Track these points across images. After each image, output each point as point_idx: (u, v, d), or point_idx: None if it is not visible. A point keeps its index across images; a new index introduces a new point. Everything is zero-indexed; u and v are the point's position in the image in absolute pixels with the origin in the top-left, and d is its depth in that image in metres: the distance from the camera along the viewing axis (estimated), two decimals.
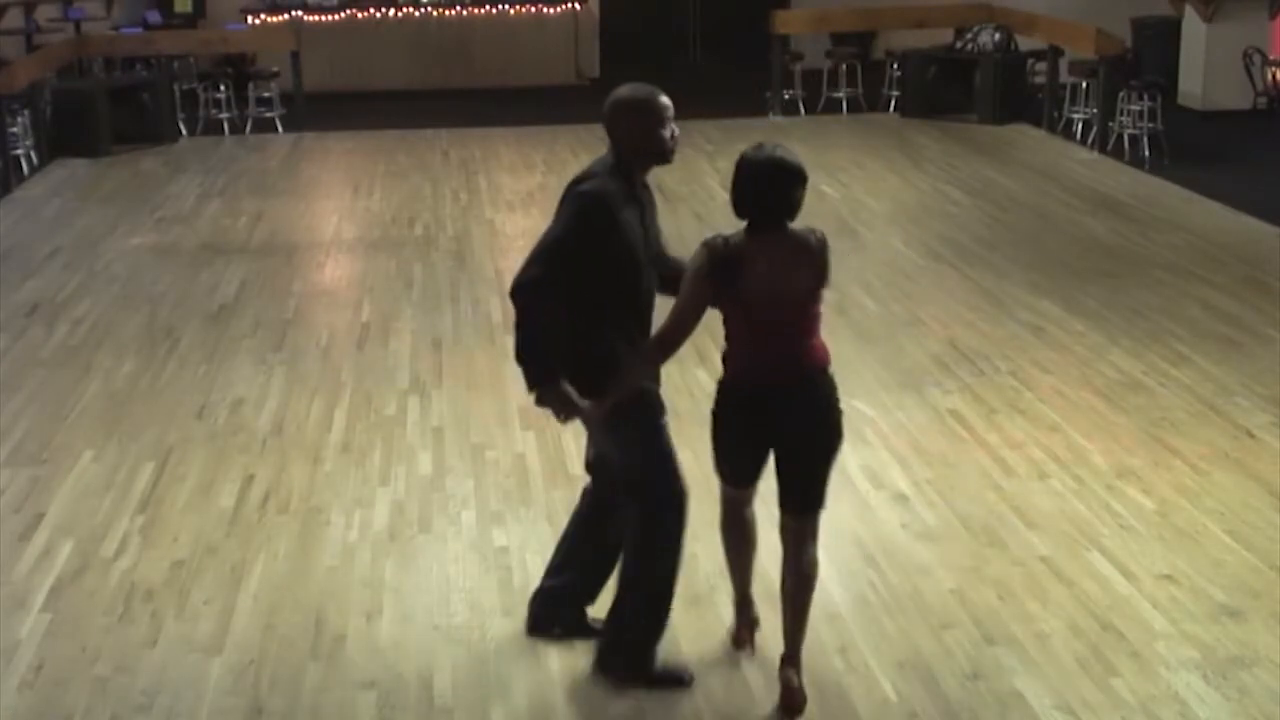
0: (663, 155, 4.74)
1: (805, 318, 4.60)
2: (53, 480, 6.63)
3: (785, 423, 4.58)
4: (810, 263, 4.57)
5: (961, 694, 4.78)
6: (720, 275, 4.50)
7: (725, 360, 4.68)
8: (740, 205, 4.60)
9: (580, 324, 4.60)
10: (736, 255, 4.50)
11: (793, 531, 4.70)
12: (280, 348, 8.47)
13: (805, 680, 4.71)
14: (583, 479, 5.11)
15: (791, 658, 4.69)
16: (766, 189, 4.54)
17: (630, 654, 4.82)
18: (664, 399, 4.78)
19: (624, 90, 4.81)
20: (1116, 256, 10.13)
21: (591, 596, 5.07)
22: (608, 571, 4.96)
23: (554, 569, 5.15)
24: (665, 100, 4.76)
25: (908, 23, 16.61)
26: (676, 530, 4.69)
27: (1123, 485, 6.36)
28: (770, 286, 4.51)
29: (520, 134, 15.23)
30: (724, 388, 4.69)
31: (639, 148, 4.71)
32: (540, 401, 4.60)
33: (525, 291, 4.55)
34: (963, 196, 12.03)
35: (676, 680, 4.82)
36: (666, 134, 4.70)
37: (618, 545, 4.84)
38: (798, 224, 4.62)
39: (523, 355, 4.57)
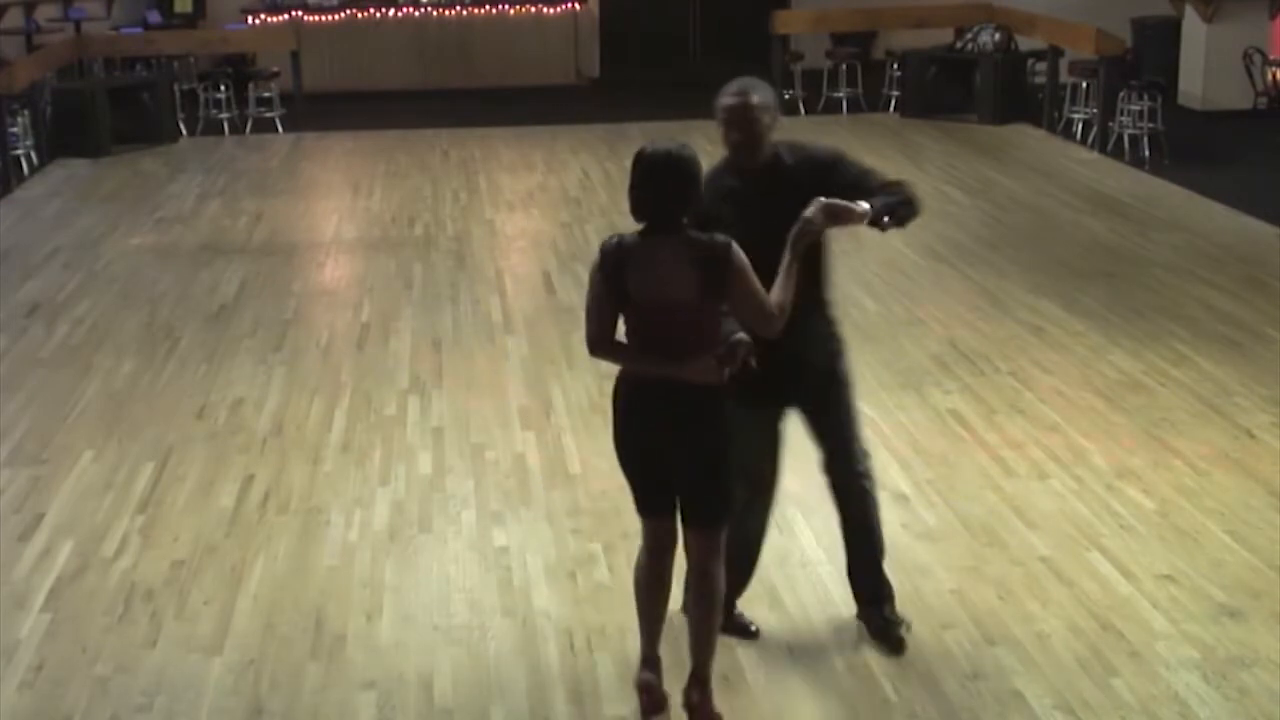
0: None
1: (689, 328, 4.31)
2: (53, 480, 6.63)
3: (670, 434, 4.38)
4: (700, 269, 4.25)
5: (961, 694, 4.78)
6: (611, 274, 4.32)
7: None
8: (632, 206, 4.38)
9: None
10: (625, 256, 4.31)
11: (693, 548, 4.48)
12: (280, 348, 8.47)
13: (803, 679, 4.71)
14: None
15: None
16: (653, 187, 4.31)
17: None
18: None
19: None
20: (1116, 256, 10.13)
21: (738, 593, 5.12)
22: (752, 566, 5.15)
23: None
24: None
25: (908, 23, 16.61)
26: None
27: (1123, 485, 6.36)
28: (654, 291, 4.28)
29: (520, 134, 15.23)
30: (616, 389, 4.49)
31: None
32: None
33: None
34: (963, 196, 12.04)
35: None
36: None
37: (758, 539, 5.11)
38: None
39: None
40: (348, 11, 17.91)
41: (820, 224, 4.57)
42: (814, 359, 4.90)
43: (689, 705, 4.54)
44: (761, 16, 16.54)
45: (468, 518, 6.16)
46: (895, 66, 16.08)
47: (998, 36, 15.51)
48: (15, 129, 13.37)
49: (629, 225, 4.43)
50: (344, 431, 7.14)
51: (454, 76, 17.97)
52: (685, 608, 4.65)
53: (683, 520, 4.49)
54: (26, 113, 13.68)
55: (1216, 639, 5.09)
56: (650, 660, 4.66)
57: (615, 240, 4.38)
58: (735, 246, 4.29)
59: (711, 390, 4.36)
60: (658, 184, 4.31)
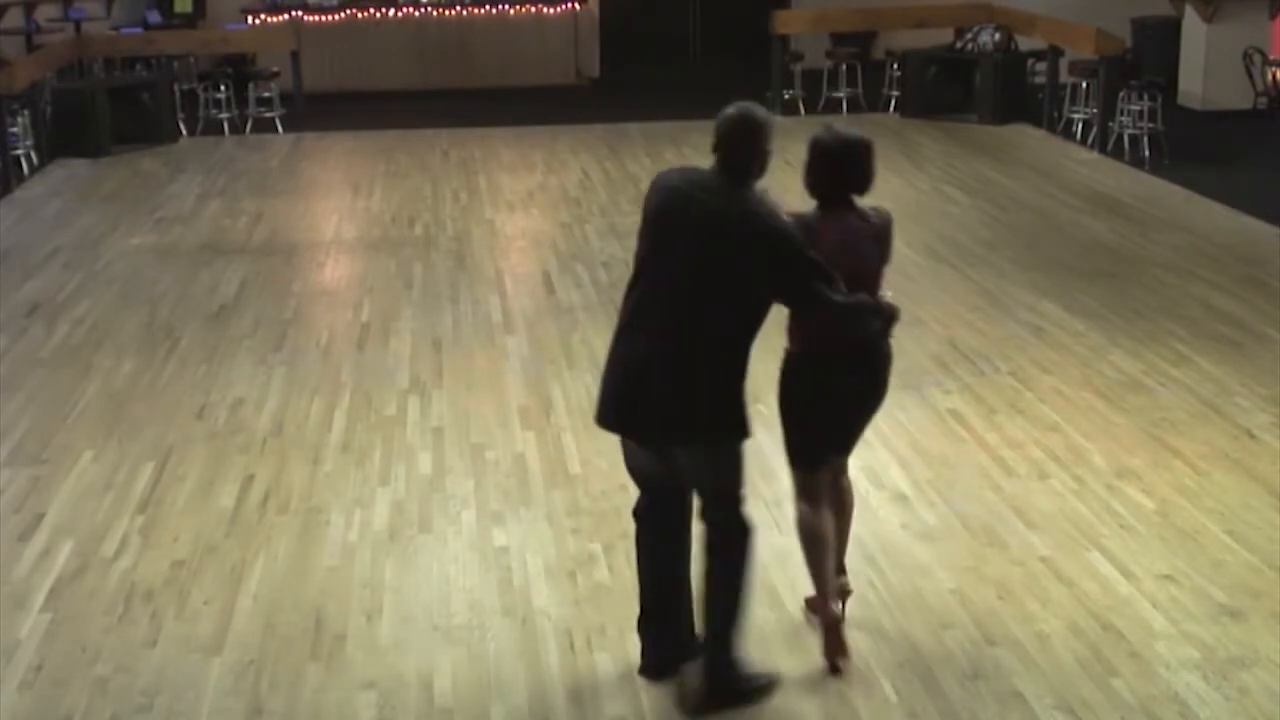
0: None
1: (872, 290, 4.89)
2: (53, 480, 6.63)
3: (849, 386, 4.94)
4: (877, 239, 4.94)
5: (961, 694, 4.78)
6: None
7: (794, 334, 4.91)
8: (813, 185, 4.91)
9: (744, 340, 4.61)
10: (811, 230, 4.75)
11: (834, 469, 5.09)
12: (280, 348, 8.47)
13: (803, 679, 4.71)
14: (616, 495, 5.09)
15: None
16: (836, 166, 4.88)
17: (732, 671, 4.74)
18: None
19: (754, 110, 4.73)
20: (1116, 256, 10.13)
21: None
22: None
23: (652, 619, 4.88)
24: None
25: (908, 23, 16.61)
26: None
27: (1123, 485, 6.36)
28: (839, 260, 4.69)
29: (520, 134, 15.23)
30: (796, 360, 4.93)
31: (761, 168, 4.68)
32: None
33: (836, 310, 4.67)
34: (963, 196, 12.04)
35: (769, 684, 4.80)
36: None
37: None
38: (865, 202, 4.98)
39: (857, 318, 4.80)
40: (348, 11, 17.91)
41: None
42: None
43: (844, 592, 5.15)
44: (761, 16, 16.54)
45: (468, 518, 6.16)
46: (895, 66, 16.07)
47: (998, 36, 15.51)
48: (15, 129, 13.36)
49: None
50: (344, 431, 7.14)
51: (454, 76, 17.97)
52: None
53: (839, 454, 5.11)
54: (26, 113, 13.67)
55: (1216, 639, 5.09)
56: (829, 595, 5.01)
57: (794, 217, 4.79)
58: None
59: None
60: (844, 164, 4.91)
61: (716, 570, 4.68)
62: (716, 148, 4.64)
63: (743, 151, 4.59)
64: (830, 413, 4.95)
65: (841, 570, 5.18)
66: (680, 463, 4.65)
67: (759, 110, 4.69)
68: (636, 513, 4.87)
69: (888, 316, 4.91)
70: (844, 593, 5.16)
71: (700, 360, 4.51)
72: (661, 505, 4.79)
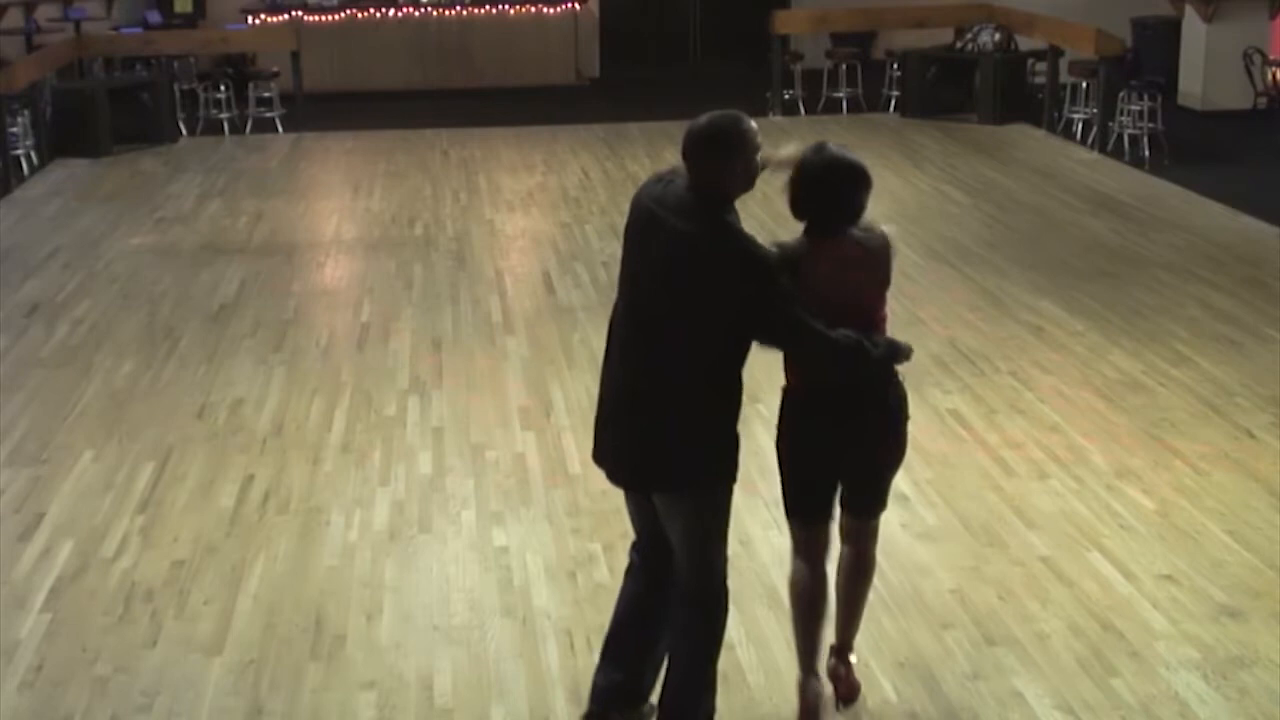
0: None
1: (870, 322, 4.37)
2: (53, 480, 6.63)
3: (851, 429, 4.40)
4: (872, 265, 4.39)
5: (961, 694, 4.78)
6: None
7: (789, 367, 4.45)
8: (798, 209, 4.40)
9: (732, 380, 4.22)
10: (794, 260, 4.28)
11: (853, 530, 4.59)
12: (280, 348, 8.47)
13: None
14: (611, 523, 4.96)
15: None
16: (824, 192, 4.36)
17: None
18: None
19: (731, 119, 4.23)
20: (1116, 256, 10.13)
21: (650, 690, 4.51)
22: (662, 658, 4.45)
23: (611, 660, 4.52)
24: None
25: (908, 23, 16.61)
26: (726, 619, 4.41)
27: (1123, 485, 6.36)
28: (831, 291, 4.27)
29: (520, 134, 15.23)
30: (790, 396, 4.46)
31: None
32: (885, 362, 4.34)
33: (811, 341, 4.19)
34: (963, 196, 12.03)
35: None
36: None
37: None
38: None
39: (845, 360, 4.24)
40: (348, 11, 17.91)
41: None
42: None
43: (836, 676, 4.70)
44: (761, 16, 16.54)
45: (468, 518, 6.16)
46: (895, 66, 16.08)
47: (998, 36, 15.52)
48: (15, 129, 13.36)
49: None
50: (344, 431, 7.14)
51: (454, 76, 17.98)
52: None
53: (852, 512, 4.58)
54: (26, 113, 13.68)
55: (1216, 639, 5.09)
56: (817, 671, 4.56)
57: (777, 246, 4.31)
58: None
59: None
60: (833, 188, 4.40)
61: (677, 652, 4.32)
62: (685, 163, 4.18)
63: (708, 168, 4.12)
64: (828, 457, 4.42)
65: (848, 648, 4.71)
66: (658, 510, 4.27)
67: (729, 119, 4.17)
68: (632, 547, 4.56)
69: (892, 354, 4.35)
70: (848, 683, 4.69)
71: (673, 397, 4.13)
72: (643, 552, 4.45)
